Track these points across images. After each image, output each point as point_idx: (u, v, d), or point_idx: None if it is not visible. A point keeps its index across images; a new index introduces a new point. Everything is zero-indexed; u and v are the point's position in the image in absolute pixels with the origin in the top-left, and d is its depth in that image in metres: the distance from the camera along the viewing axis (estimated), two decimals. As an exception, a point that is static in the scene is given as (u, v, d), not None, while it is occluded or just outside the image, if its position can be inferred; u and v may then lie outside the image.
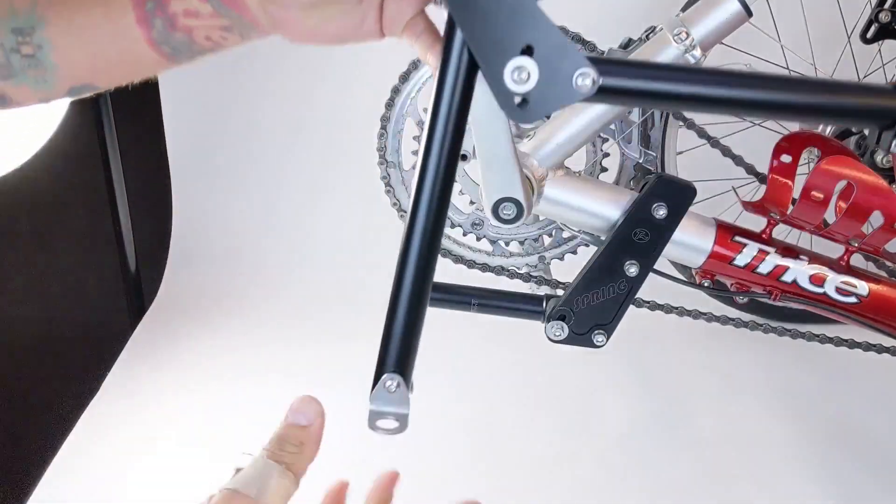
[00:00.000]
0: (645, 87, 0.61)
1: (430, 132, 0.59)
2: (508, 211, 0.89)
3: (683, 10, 1.06)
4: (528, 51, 0.52)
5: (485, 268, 1.06)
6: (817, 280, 0.92)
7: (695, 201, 0.88)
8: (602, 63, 0.56)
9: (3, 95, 0.57)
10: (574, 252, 1.06)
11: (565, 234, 1.04)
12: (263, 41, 0.58)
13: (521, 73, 0.52)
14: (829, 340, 1.04)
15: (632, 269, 0.87)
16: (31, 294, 1.24)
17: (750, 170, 1.09)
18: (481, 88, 0.57)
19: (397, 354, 0.63)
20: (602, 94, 0.55)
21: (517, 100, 0.54)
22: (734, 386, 1.34)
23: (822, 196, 0.88)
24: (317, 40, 0.58)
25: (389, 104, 1.00)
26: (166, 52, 0.56)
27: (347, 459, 1.16)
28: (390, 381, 0.61)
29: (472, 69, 0.56)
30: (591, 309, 0.89)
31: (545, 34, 0.52)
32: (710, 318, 1.04)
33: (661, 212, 0.86)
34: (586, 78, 0.52)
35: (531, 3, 0.52)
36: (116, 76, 0.58)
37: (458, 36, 0.55)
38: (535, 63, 0.52)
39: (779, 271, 0.92)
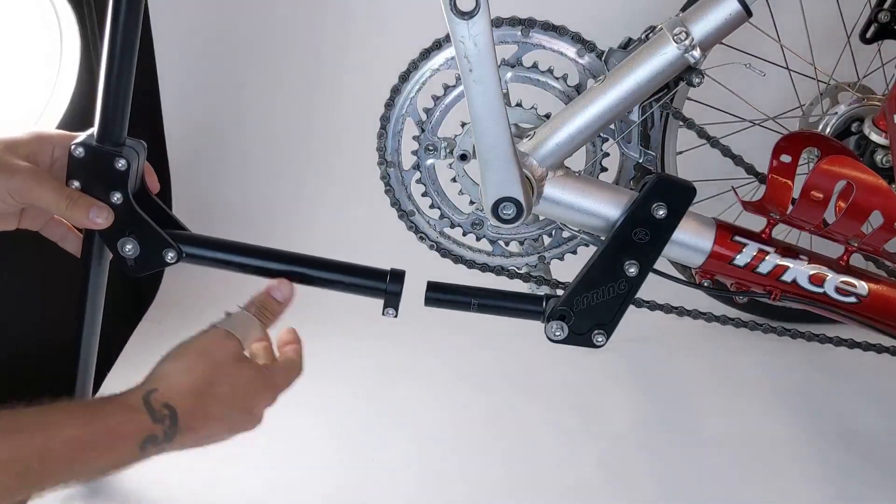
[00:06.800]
0: (216, 257, 0.86)
1: None
2: (508, 211, 0.90)
3: (683, 9, 1.06)
4: (130, 234, 0.82)
5: (485, 268, 1.06)
6: (817, 280, 0.92)
7: (695, 201, 0.88)
8: (185, 240, 0.85)
9: None
10: (574, 252, 1.06)
11: (565, 234, 1.04)
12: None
13: (126, 246, 0.82)
14: (829, 340, 1.04)
15: (632, 269, 0.87)
16: (29, 295, 1.24)
17: (750, 170, 1.09)
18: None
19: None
20: (189, 258, 0.84)
21: (130, 262, 0.83)
22: (734, 386, 1.34)
23: (821, 196, 0.88)
24: None
25: (389, 104, 1.00)
26: None
27: (347, 458, 1.17)
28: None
29: None
30: (591, 309, 0.89)
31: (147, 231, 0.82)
32: (710, 318, 1.04)
33: (660, 212, 0.86)
34: (171, 252, 0.83)
35: (147, 222, 0.82)
36: None
37: None
38: (138, 242, 0.82)
39: (778, 271, 0.92)
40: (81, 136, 0.81)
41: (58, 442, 0.65)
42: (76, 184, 0.80)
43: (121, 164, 0.80)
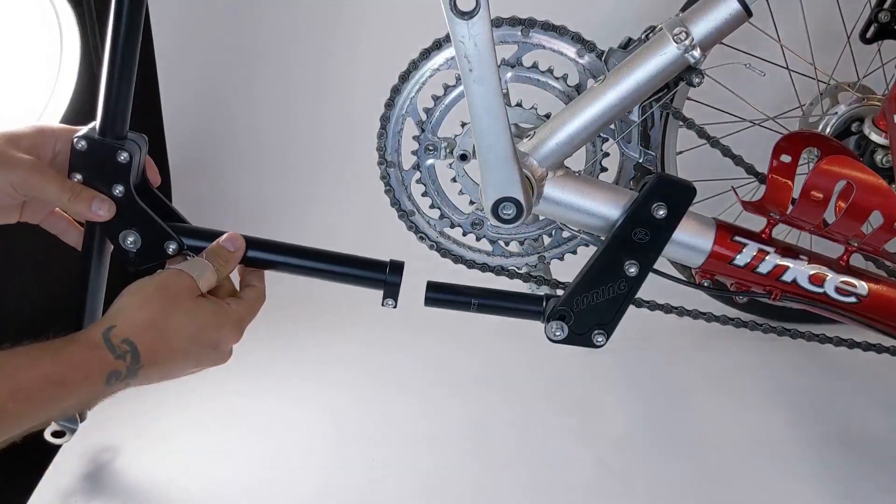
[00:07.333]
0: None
1: None
2: (508, 210, 0.89)
3: (683, 9, 1.06)
4: (132, 226, 0.83)
5: (485, 268, 1.06)
6: (817, 280, 0.92)
7: (695, 201, 0.88)
8: (186, 232, 0.85)
9: None
10: (574, 252, 1.06)
11: (565, 234, 1.04)
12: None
13: (128, 238, 0.83)
14: (829, 340, 1.04)
15: (631, 269, 0.87)
16: (30, 294, 1.24)
17: (750, 170, 1.09)
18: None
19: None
20: (190, 250, 0.85)
21: (131, 255, 0.83)
22: (734, 386, 1.34)
23: (821, 196, 0.88)
24: None
25: (389, 104, 1.00)
26: None
27: (345, 458, 1.17)
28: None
29: None
30: (591, 309, 0.89)
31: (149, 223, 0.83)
32: (710, 318, 1.04)
33: (660, 212, 0.86)
34: (172, 244, 0.84)
35: (149, 214, 0.83)
36: None
37: None
38: (139, 235, 0.83)
39: (778, 271, 0.92)
40: (84, 130, 0.82)
41: (29, 381, 0.67)
42: (78, 177, 0.80)
43: (123, 156, 0.81)
